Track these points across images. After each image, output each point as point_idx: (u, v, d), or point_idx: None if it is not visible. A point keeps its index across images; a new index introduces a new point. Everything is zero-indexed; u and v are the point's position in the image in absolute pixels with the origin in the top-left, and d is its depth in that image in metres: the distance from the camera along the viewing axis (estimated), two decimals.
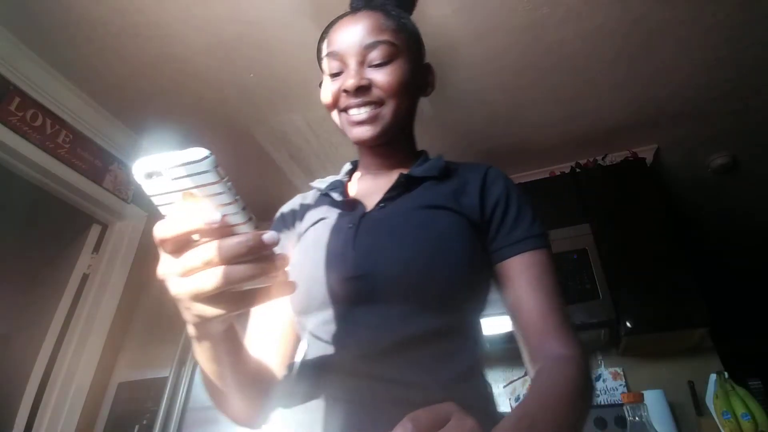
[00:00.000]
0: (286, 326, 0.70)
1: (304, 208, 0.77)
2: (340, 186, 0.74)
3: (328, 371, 0.59)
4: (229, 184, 0.36)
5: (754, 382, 1.74)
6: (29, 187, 1.76)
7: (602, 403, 1.94)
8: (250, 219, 0.39)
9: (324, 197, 0.75)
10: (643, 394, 1.51)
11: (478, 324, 0.65)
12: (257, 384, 0.60)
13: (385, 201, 0.68)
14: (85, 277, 1.92)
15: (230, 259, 0.37)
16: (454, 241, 0.62)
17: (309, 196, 0.80)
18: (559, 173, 2.33)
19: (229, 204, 0.37)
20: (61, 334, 1.75)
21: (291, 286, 0.42)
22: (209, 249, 0.37)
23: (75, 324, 1.80)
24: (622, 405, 1.59)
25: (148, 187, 0.36)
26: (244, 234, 0.38)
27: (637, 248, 1.90)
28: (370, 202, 0.69)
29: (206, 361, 0.51)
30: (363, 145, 0.72)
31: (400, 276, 0.58)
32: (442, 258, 0.60)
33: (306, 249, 0.68)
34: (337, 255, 0.63)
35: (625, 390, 1.93)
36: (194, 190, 0.36)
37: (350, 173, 0.82)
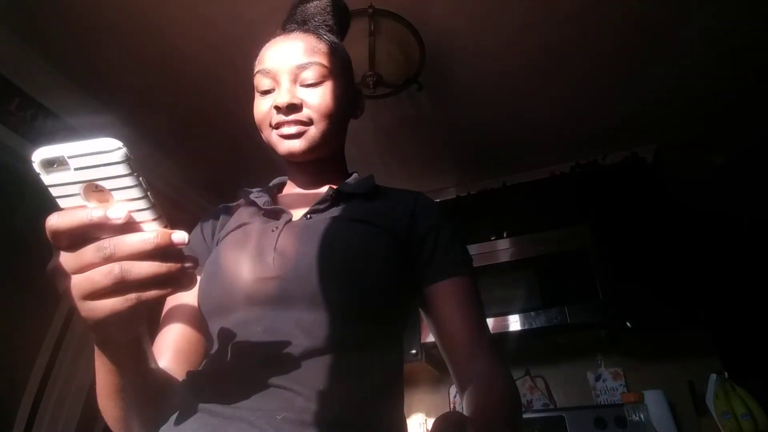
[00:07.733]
0: (197, 332, 0.66)
1: (226, 217, 0.77)
2: (268, 195, 0.73)
3: (222, 380, 0.54)
4: (141, 179, 0.35)
5: (754, 382, 1.74)
6: (28, 187, 1.76)
7: (602, 403, 1.94)
8: (159, 217, 0.37)
9: (250, 205, 0.74)
10: (643, 394, 1.52)
11: (396, 342, 0.65)
12: (159, 400, 0.54)
13: (312, 213, 0.68)
14: None
15: (133, 256, 0.35)
16: (377, 253, 0.62)
17: (233, 205, 0.79)
18: (559, 173, 2.33)
19: (138, 199, 0.36)
20: (61, 334, 1.75)
21: (192, 279, 0.39)
22: (111, 243, 0.35)
23: (75, 324, 1.80)
24: (622, 405, 1.60)
25: (48, 178, 0.35)
26: (152, 231, 0.36)
27: (637, 248, 1.90)
28: (297, 213, 0.69)
29: (107, 373, 0.48)
30: (292, 159, 0.72)
31: (317, 280, 0.57)
32: (363, 267, 0.60)
33: (224, 249, 0.67)
34: (255, 255, 0.62)
35: (625, 390, 1.93)
36: (101, 182, 0.34)
37: (280, 186, 0.82)
